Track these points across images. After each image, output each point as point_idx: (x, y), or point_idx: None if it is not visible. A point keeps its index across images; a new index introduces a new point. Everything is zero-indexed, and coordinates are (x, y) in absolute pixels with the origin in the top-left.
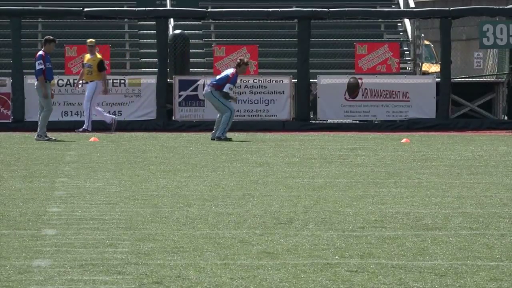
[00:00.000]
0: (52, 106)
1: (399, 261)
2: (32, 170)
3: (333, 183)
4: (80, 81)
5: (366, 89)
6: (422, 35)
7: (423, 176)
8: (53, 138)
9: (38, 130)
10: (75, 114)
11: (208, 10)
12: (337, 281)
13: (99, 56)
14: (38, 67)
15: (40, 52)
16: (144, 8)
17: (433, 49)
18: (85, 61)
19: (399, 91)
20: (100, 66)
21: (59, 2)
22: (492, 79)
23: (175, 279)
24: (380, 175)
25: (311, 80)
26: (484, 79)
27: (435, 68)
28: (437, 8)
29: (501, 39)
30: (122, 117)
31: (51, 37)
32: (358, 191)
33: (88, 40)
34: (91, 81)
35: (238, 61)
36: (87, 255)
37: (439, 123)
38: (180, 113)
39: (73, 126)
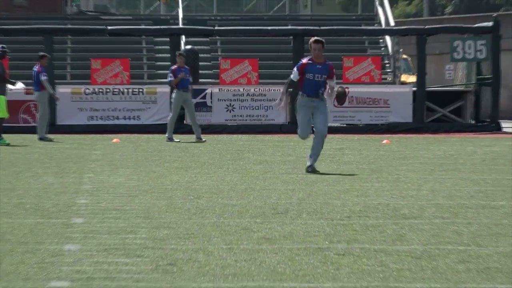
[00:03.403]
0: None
1: (380, 246)
2: (63, 167)
3: (323, 178)
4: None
5: (352, 96)
6: (401, 50)
7: (401, 172)
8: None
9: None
10: (99, 118)
11: (215, 28)
12: (327, 263)
13: None
14: (42, 77)
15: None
16: (159, 27)
17: (410, 62)
18: None
19: (380, 99)
20: None
21: (85, 21)
22: (461, 88)
23: (187, 261)
24: (364, 171)
25: None
26: (454, 88)
27: (412, 78)
28: (413, 27)
29: (469, 54)
30: (141, 121)
31: (45, 54)
32: (345, 185)
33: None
34: None
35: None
36: (111, 240)
37: (415, 127)
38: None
39: (97, 130)
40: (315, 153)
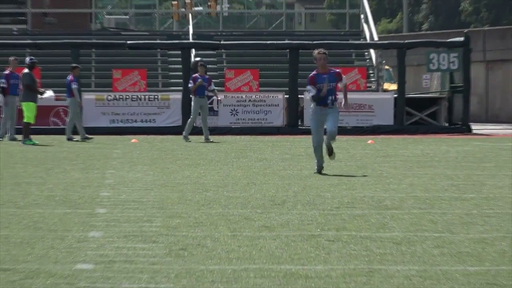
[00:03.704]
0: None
1: (366, 233)
2: (88, 164)
3: (315, 174)
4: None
5: (340, 102)
6: (383, 61)
7: (384, 168)
8: (75, 139)
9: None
10: (120, 121)
11: (221, 42)
12: (319, 248)
13: None
14: (73, 86)
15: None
16: (172, 41)
17: (391, 72)
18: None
19: (365, 104)
20: None
21: (108, 37)
22: (436, 95)
23: (196, 247)
24: (351, 168)
25: (299, 96)
26: (430, 95)
27: (393, 86)
28: (394, 41)
29: (443, 65)
30: (156, 124)
31: (77, 65)
32: (334, 180)
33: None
34: None
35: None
36: (130, 228)
37: (396, 128)
38: (199, 121)
39: (118, 131)
40: (327, 142)
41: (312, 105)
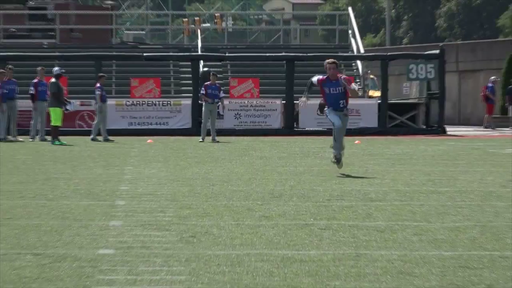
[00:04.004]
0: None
1: (353, 222)
2: (109, 161)
3: (309, 170)
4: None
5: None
6: (369, 71)
7: (369, 165)
8: (100, 139)
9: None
10: (137, 124)
11: (226, 55)
12: (312, 235)
13: None
14: (96, 92)
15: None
16: (183, 54)
17: (376, 81)
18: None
19: (353, 109)
20: None
21: (126, 50)
22: (415, 101)
23: (204, 234)
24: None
25: (294, 102)
26: (410, 101)
27: (377, 93)
28: (378, 54)
29: (421, 74)
30: (169, 126)
31: (103, 74)
32: (326, 175)
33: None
34: None
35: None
36: (146, 218)
37: (380, 130)
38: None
39: (135, 133)
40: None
41: (327, 109)
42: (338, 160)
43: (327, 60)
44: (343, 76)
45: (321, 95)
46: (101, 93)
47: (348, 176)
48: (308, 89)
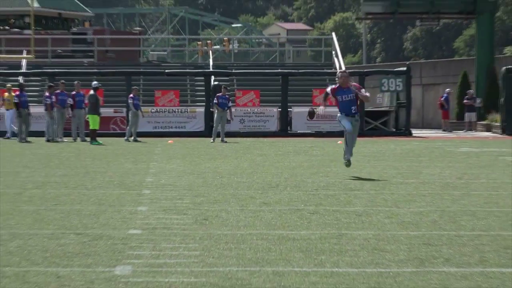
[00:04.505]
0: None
1: (336, 208)
2: (136, 158)
3: (300, 165)
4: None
5: (318, 114)
6: None
7: None
8: (131, 140)
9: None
10: (160, 128)
11: (233, 71)
12: (302, 218)
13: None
14: (129, 101)
15: (131, 95)
16: (197, 70)
17: None
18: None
19: (335, 115)
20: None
21: (152, 67)
22: (387, 109)
23: (215, 218)
24: (326, 161)
25: (289, 109)
26: (382, 109)
27: None
28: (357, 70)
29: (392, 87)
30: (186, 129)
31: (136, 87)
32: (314, 169)
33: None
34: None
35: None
36: (166, 204)
37: (358, 133)
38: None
39: (159, 135)
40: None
41: (339, 115)
42: (348, 163)
43: (339, 70)
44: (354, 84)
45: (309, 105)
46: (134, 102)
47: (330, 169)
48: (324, 99)
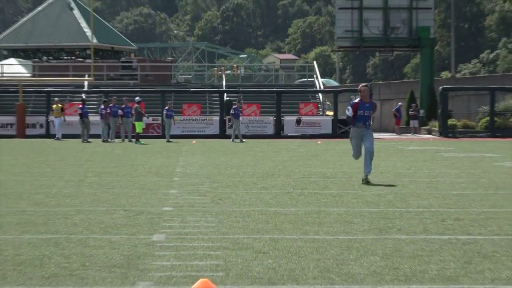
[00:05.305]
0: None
1: (317, 191)
2: (168, 154)
3: (290, 159)
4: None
5: (303, 121)
6: (326, 100)
7: (327, 157)
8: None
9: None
10: (187, 131)
11: (240, 90)
12: (292, 199)
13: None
14: (164, 111)
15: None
16: (214, 89)
17: (330, 105)
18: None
19: (316, 122)
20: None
21: (180, 86)
22: None
23: (227, 198)
24: (309, 156)
25: (281, 118)
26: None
27: (331, 113)
28: (332, 89)
29: None
30: (206, 133)
31: (171, 102)
32: (300, 162)
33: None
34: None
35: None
36: (191, 188)
37: (333, 135)
38: (229, 130)
39: (185, 137)
40: (367, 166)
41: (351, 128)
42: (366, 179)
43: (361, 84)
44: (375, 102)
45: (297, 114)
46: (167, 112)
47: (312, 162)
48: (351, 120)
